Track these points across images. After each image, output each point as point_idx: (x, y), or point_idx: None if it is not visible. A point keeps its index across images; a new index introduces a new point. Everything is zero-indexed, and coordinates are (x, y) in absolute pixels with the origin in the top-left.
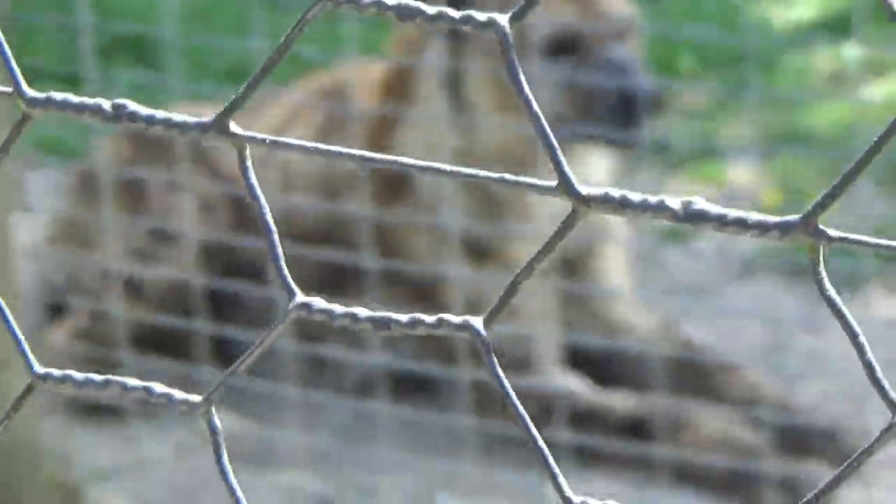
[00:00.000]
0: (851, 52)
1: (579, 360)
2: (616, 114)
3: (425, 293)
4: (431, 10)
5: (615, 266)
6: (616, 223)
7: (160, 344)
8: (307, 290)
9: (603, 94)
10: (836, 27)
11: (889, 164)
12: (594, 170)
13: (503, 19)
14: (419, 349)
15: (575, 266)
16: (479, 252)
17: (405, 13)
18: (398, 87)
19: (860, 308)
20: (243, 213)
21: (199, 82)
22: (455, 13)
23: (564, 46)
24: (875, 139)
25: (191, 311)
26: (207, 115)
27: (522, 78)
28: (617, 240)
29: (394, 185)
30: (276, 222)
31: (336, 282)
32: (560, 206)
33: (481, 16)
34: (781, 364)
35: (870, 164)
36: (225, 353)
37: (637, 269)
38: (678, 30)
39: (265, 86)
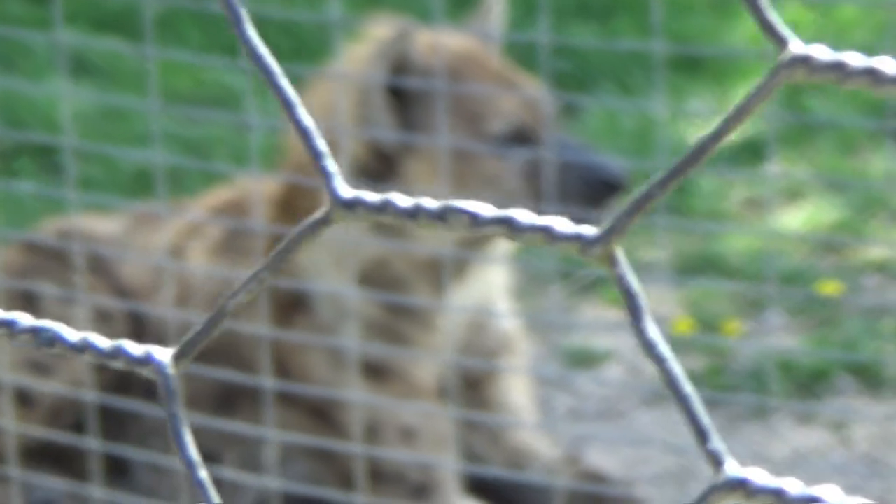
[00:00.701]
0: (767, 176)
1: (480, 487)
2: (588, 189)
3: (322, 415)
4: (74, 336)
5: (518, 387)
6: (519, 343)
7: (50, 459)
8: (200, 408)
9: (571, 171)
10: (753, 150)
11: (805, 298)
12: (495, 289)
13: (165, 355)
14: (315, 472)
15: (476, 385)
16: (378, 374)
17: (45, 341)
18: (300, 206)
19: (768, 439)
20: (141, 327)
21: (101, 192)
22: (104, 343)
23: (519, 138)
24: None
25: (83, 426)
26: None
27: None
28: (520, 360)
29: (291, 304)
30: (172, 337)
31: (231, 400)
32: (465, 322)
33: (138, 349)
34: (688, 491)
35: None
36: (116, 470)
37: (542, 393)
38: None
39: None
